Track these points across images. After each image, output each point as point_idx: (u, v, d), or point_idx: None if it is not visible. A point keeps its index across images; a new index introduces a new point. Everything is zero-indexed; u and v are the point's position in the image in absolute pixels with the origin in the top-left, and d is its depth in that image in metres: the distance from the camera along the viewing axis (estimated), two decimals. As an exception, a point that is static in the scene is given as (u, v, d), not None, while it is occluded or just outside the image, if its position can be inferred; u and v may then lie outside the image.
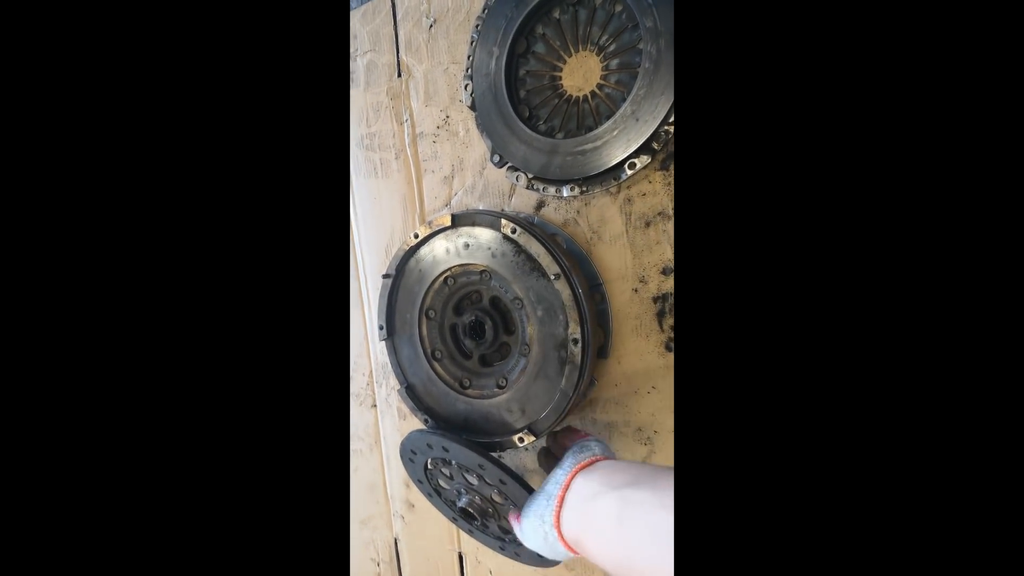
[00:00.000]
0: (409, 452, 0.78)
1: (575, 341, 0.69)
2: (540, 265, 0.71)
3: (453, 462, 0.74)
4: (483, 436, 0.77)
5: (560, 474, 0.58)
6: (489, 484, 0.71)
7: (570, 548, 0.56)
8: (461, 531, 0.91)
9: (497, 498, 0.73)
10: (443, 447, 0.71)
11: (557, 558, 0.61)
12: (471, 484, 0.75)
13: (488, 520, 0.76)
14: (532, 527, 0.59)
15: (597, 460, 0.59)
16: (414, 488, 0.99)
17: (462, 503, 0.76)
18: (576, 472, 0.57)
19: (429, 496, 0.83)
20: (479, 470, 0.70)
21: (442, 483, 0.79)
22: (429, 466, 0.78)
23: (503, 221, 0.72)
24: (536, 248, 0.71)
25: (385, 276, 0.82)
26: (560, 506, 0.56)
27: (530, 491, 0.65)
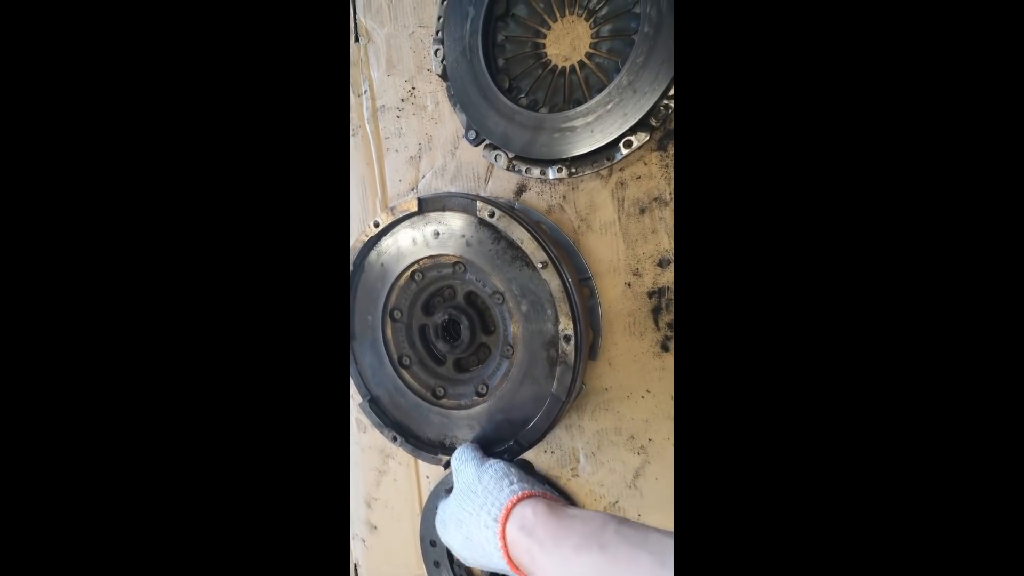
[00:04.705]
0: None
1: (567, 338, 0.60)
2: (524, 253, 0.62)
3: None
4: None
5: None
6: None
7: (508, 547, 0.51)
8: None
9: None
10: None
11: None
12: None
13: None
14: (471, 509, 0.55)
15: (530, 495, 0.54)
16: (377, 508, 0.88)
17: None
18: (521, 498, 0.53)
19: None
20: None
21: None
22: None
23: (479, 204, 0.63)
24: (519, 233, 0.62)
25: (342, 269, 0.71)
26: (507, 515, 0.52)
27: None
